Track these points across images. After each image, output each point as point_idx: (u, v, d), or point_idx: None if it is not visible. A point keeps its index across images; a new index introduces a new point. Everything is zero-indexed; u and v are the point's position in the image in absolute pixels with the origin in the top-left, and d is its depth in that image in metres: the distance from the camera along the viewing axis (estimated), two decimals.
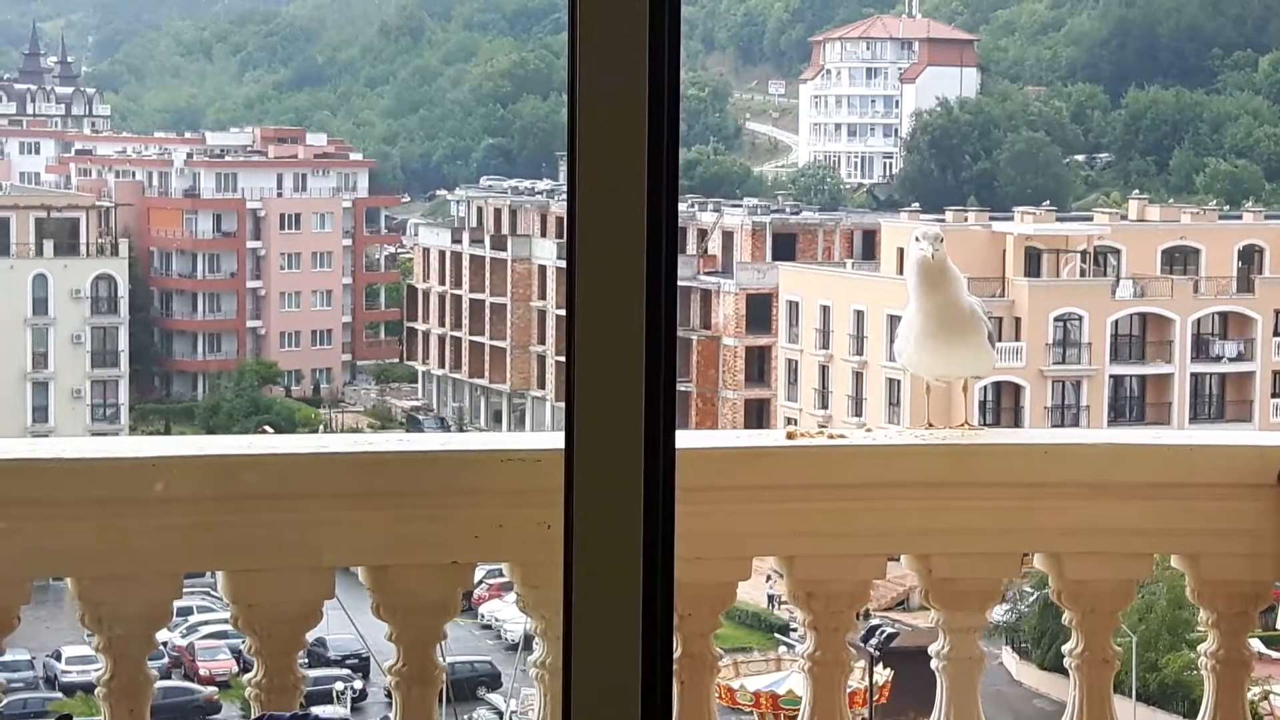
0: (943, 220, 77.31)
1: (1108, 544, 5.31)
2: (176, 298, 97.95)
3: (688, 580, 5.04)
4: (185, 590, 4.95)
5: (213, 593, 46.77)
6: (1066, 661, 5.45)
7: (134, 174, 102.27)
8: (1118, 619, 5.43)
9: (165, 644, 50.11)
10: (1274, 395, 71.60)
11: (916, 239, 5.50)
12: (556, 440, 4.56)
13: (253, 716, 4.90)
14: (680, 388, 77.68)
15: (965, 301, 5.51)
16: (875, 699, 35.67)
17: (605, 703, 2.49)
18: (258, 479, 4.89)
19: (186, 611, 53.06)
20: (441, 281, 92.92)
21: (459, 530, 4.96)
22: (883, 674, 36.95)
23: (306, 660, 5.21)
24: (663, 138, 2.58)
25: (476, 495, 4.97)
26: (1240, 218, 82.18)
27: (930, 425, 5.40)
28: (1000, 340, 61.08)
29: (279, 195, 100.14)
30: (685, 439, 5.61)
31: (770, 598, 54.59)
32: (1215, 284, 72.44)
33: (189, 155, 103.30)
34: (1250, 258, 74.86)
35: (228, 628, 43.95)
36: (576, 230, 2.58)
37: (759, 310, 77.95)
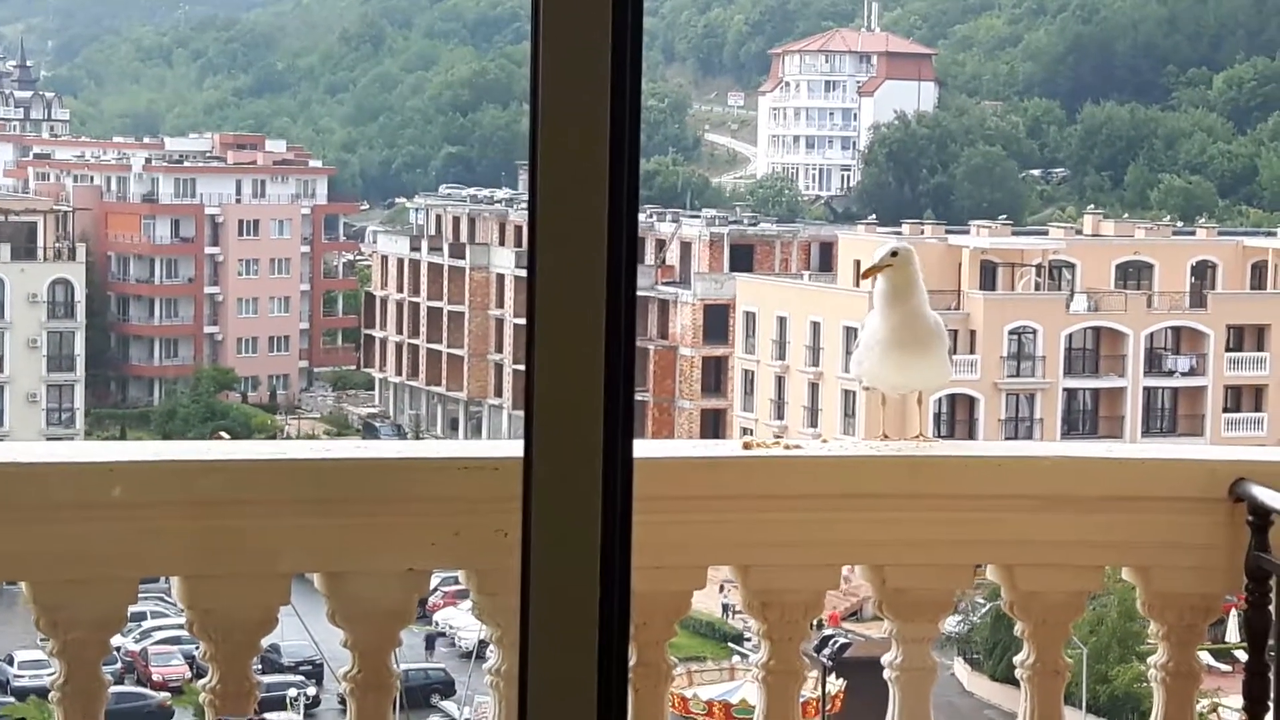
0: (899, 233, 77.62)
1: (1060, 556, 5.35)
2: (134, 303, 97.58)
3: (643, 589, 5.05)
4: (139, 595, 4.94)
5: (166, 598, 46.62)
6: (1018, 672, 5.49)
7: (92, 178, 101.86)
8: (1069, 631, 5.46)
9: (119, 649, 49.91)
10: (1226, 410, 72.00)
11: (893, 252, 5.53)
12: (514, 448, 4.57)
13: None
14: (637, 397, 77.49)
15: (929, 315, 5.54)
16: (828, 709, 35.73)
17: (561, 710, 2.50)
18: (214, 484, 4.88)
19: (140, 617, 52.87)
20: (400, 289, 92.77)
21: (415, 537, 4.96)
22: (835, 684, 37.02)
23: (260, 666, 5.21)
24: (624, 148, 2.60)
25: (433, 502, 4.98)
26: (1194, 233, 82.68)
27: (885, 436, 5.42)
28: (955, 353, 61.27)
29: (238, 201, 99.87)
30: (641, 448, 5.63)
31: (725, 607, 54.65)
32: (1168, 299, 72.83)
33: (148, 160, 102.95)
34: (1203, 273, 75.30)
35: (181, 633, 43.80)
36: (536, 239, 2.60)
37: (716, 321, 78.06)
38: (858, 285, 73.17)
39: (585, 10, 2.57)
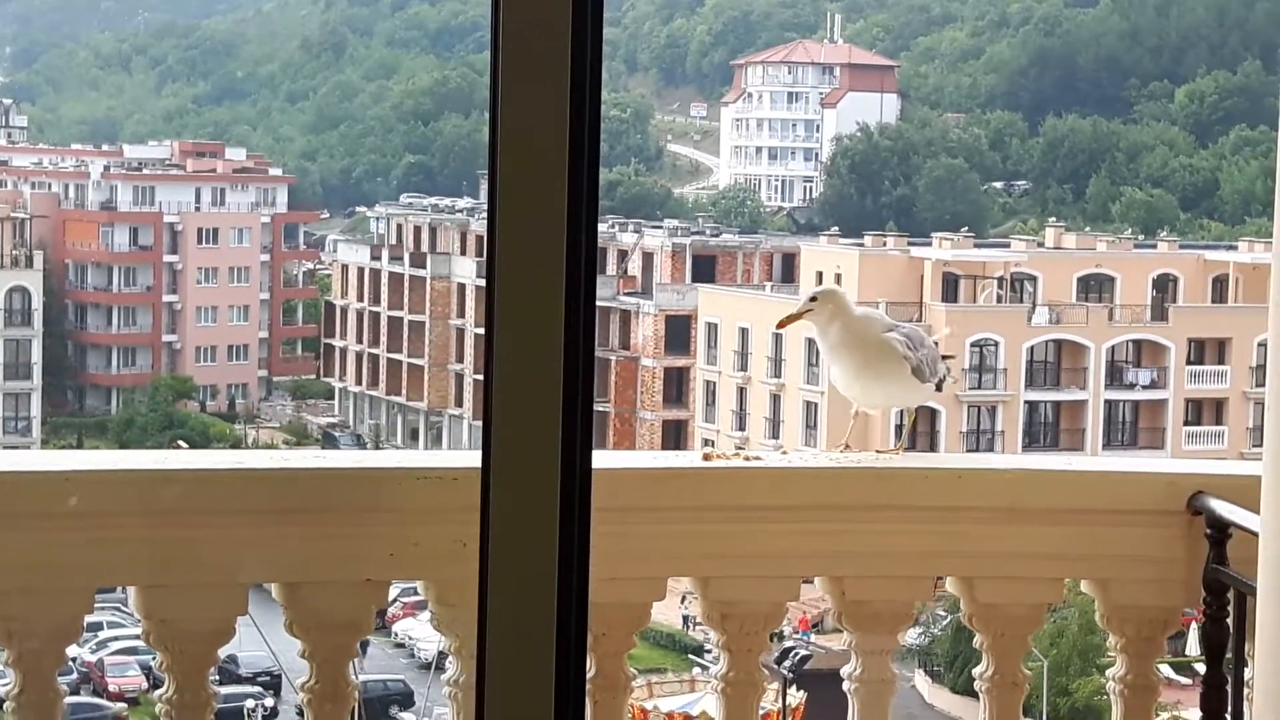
0: (861, 245, 77.77)
1: (1019, 568, 5.36)
2: (91, 311, 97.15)
3: (603, 600, 5.04)
4: (96, 606, 4.91)
5: (123, 608, 46.39)
6: (977, 684, 5.49)
7: (50, 186, 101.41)
8: (1028, 643, 5.47)
9: (75, 659, 49.63)
10: (1186, 423, 72.28)
11: (812, 297, 5.49)
12: (473, 458, 4.56)
13: None
14: (598, 408, 77.67)
15: (874, 344, 5.48)
16: None
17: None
18: (172, 494, 4.86)
19: (97, 627, 52.59)
20: (360, 298, 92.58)
21: (374, 548, 4.95)
22: (796, 696, 37.02)
23: (218, 677, 5.18)
24: (583, 157, 2.59)
25: (392, 513, 4.96)
26: (1155, 247, 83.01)
27: (847, 447, 5.43)
28: None
29: (197, 209, 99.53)
30: (602, 459, 5.62)
31: (685, 619, 54.61)
32: (1130, 312, 73.11)
33: (106, 168, 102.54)
34: (1164, 286, 75.62)
35: (138, 643, 43.57)
36: (496, 249, 2.59)
37: (678, 331, 78.09)
38: None
39: (545, 20, 2.56)
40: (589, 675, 5.15)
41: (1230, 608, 5.16)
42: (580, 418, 2.55)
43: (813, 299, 5.50)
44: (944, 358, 5.75)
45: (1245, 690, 5.09)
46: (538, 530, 2.51)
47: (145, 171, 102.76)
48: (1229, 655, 5.20)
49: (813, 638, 49.50)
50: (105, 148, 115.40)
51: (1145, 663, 5.46)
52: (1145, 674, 5.47)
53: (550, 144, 2.61)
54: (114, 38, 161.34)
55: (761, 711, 5.48)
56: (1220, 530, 5.16)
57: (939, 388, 5.62)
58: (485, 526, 2.52)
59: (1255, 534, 4.52)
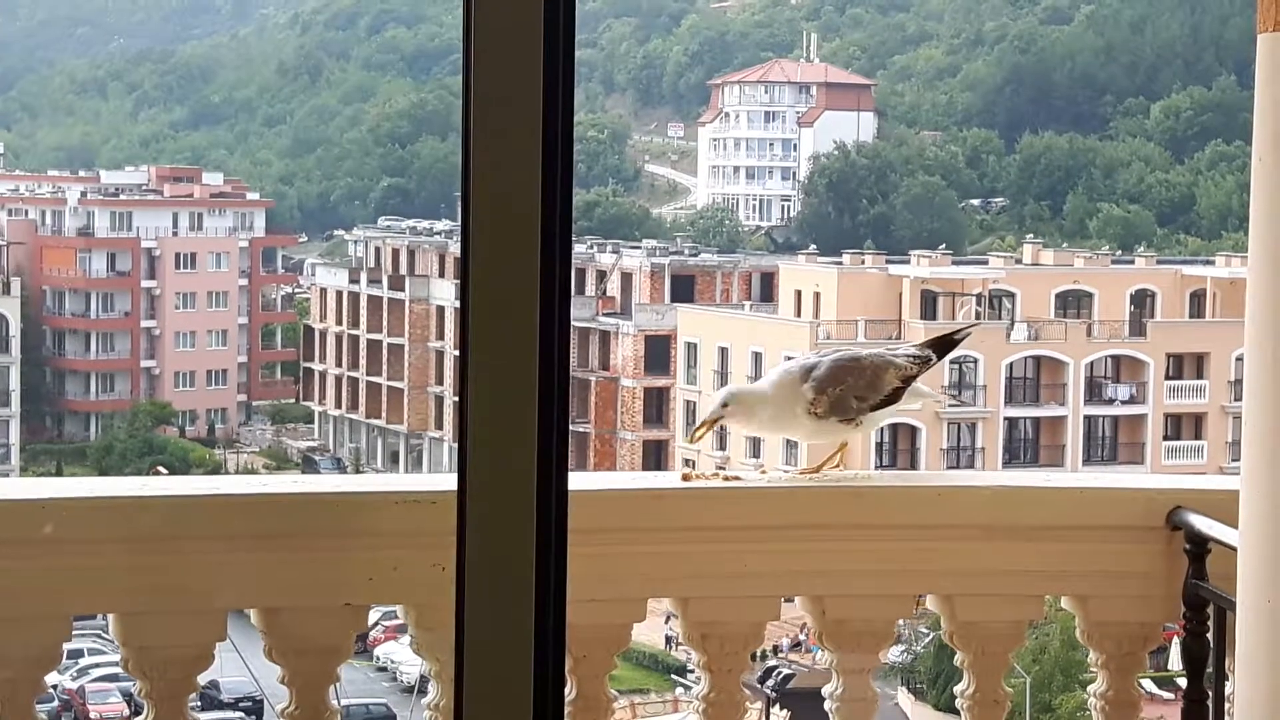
0: (840, 263, 77.88)
1: (999, 586, 5.36)
2: (69, 337, 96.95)
3: (582, 622, 5.03)
4: (76, 633, 4.90)
5: (104, 635, 46.23)
6: (958, 702, 5.49)
7: (27, 212, 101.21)
8: (1009, 660, 5.47)
9: (56, 687, 49.46)
10: (1166, 438, 72.43)
11: (724, 403, 5.44)
12: (451, 481, 4.55)
13: None
14: (579, 429, 77.65)
15: (791, 413, 5.40)
16: None
17: None
18: (149, 520, 4.84)
19: (78, 654, 52.42)
20: (339, 321, 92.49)
21: (352, 572, 4.93)
22: (779, 715, 37.02)
23: (199, 703, 5.17)
24: (556, 178, 2.59)
25: (371, 537, 4.95)
26: (1133, 262, 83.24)
27: (819, 469, 5.43)
28: None
29: (174, 234, 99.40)
30: (581, 480, 5.62)
31: (668, 639, 54.58)
32: (1108, 327, 73.27)
33: (83, 194, 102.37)
34: (1142, 302, 75.82)
35: (119, 670, 43.41)
36: (469, 269, 2.59)
37: (657, 351, 78.10)
38: (798, 315, 73.32)
39: (516, 41, 2.56)
40: (570, 697, 5.14)
41: (1210, 622, 5.17)
42: (555, 438, 2.54)
43: (724, 405, 5.45)
44: (943, 339, 5.63)
45: (1226, 705, 5.10)
46: (514, 553, 2.51)
47: (122, 197, 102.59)
48: (1210, 670, 5.20)
49: (785, 668, 49.21)
50: (82, 173, 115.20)
51: (1126, 678, 5.46)
52: (1126, 689, 5.47)
53: (523, 163, 2.61)
54: (89, 64, 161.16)
55: None
56: (1199, 545, 5.16)
57: (895, 399, 5.46)
58: (461, 550, 2.52)
59: (1234, 548, 4.52)
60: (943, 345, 5.61)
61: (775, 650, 50.58)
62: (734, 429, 5.48)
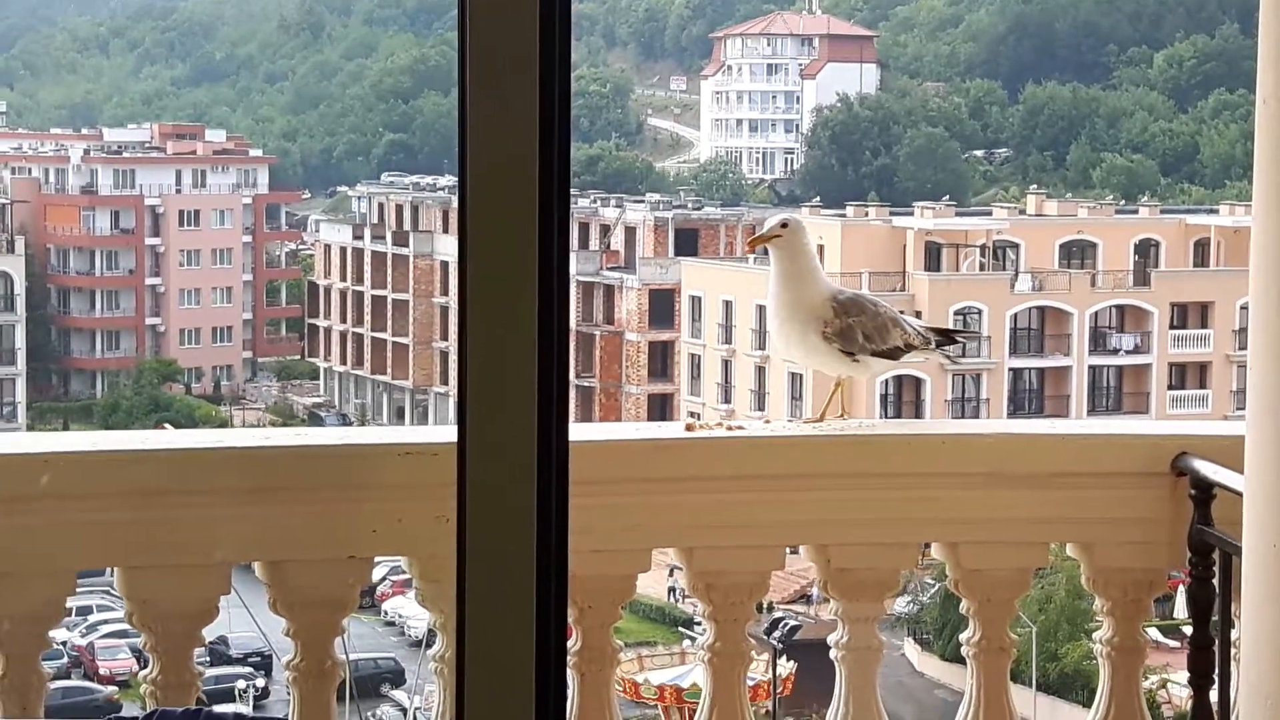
0: (844, 215, 77.78)
1: (1004, 533, 5.35)
2: (74, 295, 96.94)
3: (587, 573, 5.03)
4: (86, 589, 4.91)
5: (113, 591, 46.33)
6: (964, 650, 5.49)
7: (30, 170, 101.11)
8: (1015, 607, 5.47)
9: (65, 644, 49.61)
10: (1170, 387, 72.41)
11: (783, 224, 5.50)
12: (454, 433, 4.55)
13: (144, 713, 4.85)
14: (584, 383, 77.68)
15: (803, 294, 5.44)
16: (779, 691, 35.80)
17: (498, 695, 2.48)
18: (152, 474, 4.84)
19: (86, 610, 52.56)
20: (343, 278, 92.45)
21: (356, 524, 4.93)
22: (786, 666, 37.09)
23: (209, 659, 5.18)
24: (554, 129, 2.57)
25: (374, 489, 4.95)
26: (1136, 212, 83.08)
27: (822, 417, 5.41)
28: None
29: (178, 192, 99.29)
30: (585, 432, 5.62)
31: (671, 590, 54.69)
32: (1112, 278, 73.18)
33: (86, 152, 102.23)
34: (1146, 252, 75.70)
35: (128, 626, 43.53)
36: (467, 221, 2.57)
37: (662, 305, 78.05)
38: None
39: None
40: (575, 648, 5.15)
41: (1216, 568, 5.16)
42: (555, 388, 2.53)
43: (783, 225, 5.51)
44: (946, 331, 5.70)
45: (1232, 650, 5.09)
46: (514, 503, 2.50)
47: (125, 155, 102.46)
48: (1215, 616, 5.20)
49: (792, 619, 49.27)
50: (85, 131, 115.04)
51: (1132, 625, 5.46)
52: (1132, 636, 5.47)
53: (520, 117, 2.59)
54: (91, 21, 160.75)
55: (751, 682, 5.48)
56: (1205, 491, 5.15)
57: (894, 356, 5.49)
58: (461, 500, 2.51)
59: (1240, 494, 4.51)
60: (942, 335, 5.68)
61: (770, 607, 50.63)
62: (775, 259, 5.47)
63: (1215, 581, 5.16)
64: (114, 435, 5.30)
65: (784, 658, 36.57)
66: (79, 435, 5.34)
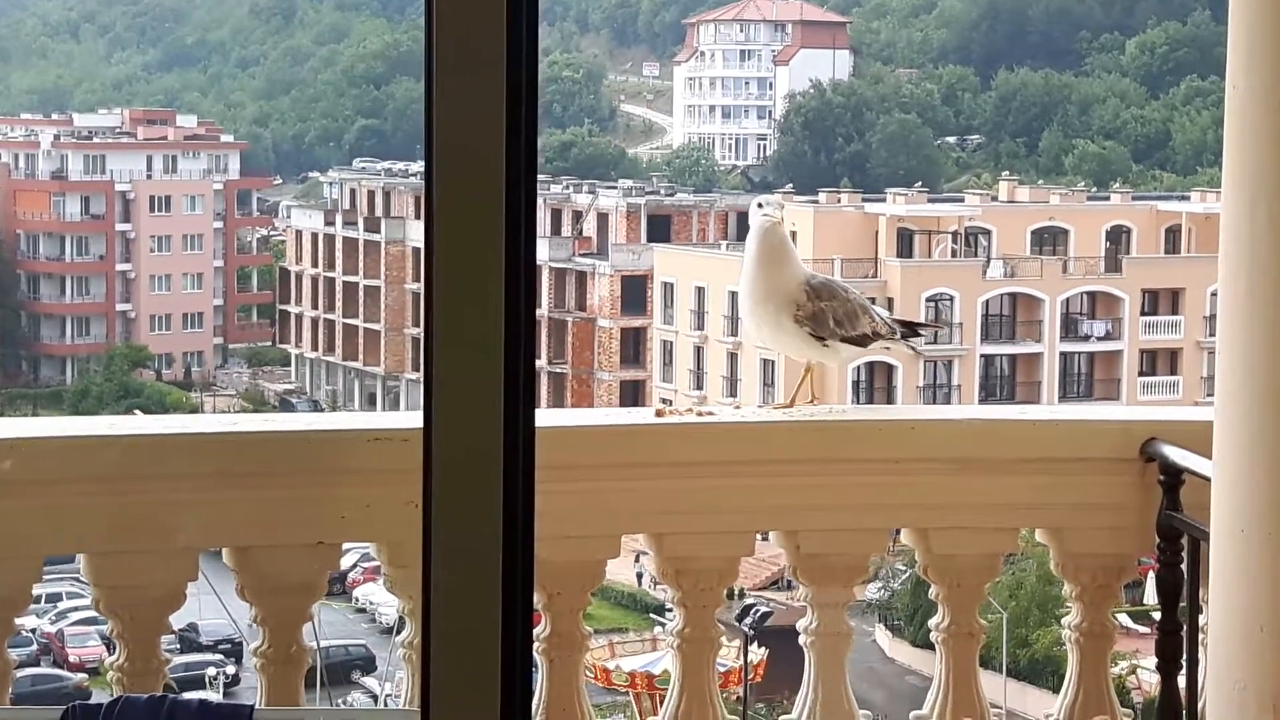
0: (816, 202, 77.82)
1: (973, 519, 5.36)
2: (44, 281, 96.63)
3: (556, 559, 5.02)
4: (54, 576, 4.89)
5: (82, 579, 46.18)
6: (933, 635, 5.49)
7: (0, 155, 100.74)
8: (984, 593, 5.47)
9: (34, 631, 49.49)
10: (1141, 374, 72.62)
11: (759, 204, 5.49)
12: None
13: (109, 699, 4.83)
14: (556, 369, 77.64)
15: (776, 275, 5.46)
16: (750, 677, 35.84)
17: (464, 680, 2.47)
18: (117, 460, 4.82)
19: (56, 598, 52.44)
20: (314, 264, 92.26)
21: (325, 510, 4.92)
22: (758, 652, 37.13)
23: (179, 646, 5.16)
24: (520, 117, 2.56)
25: (343, 475, 4.93)
26: (1108, 199, 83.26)
27: (793, 403, 5.41)
28: None
29: (149, 177, 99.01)
30: (554, 417, 5.61)
31: (640, 576, 54.70)
32: (1084, 264, 73.35)
33: (56, 137, 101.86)
34: (1118, 238, 75.88)
35: (97, 614, 43.37)
36: (433, 207, 2.56)
37: (634, 292, 78.04)
38: None
39: None
40: (544, 634, 5.14)
41: (1184, 553, 5.17)
42: (522, 373, 2.52)
43: (781, 207, 5.52)
44: (911, 324, 5.72)
45: (1200, 635, 5.11)
46: (481, 489, 2.49)
47: (96, 140, 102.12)
48: (1183, 602, 5.21)
49: (763, 605, 49.26)
50: (55, 116, 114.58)
51: (1100, 611, 5.47)
52: (1100, 622, 5.48)
53: (487, 104, 2.58)
54: (61, 5, 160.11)
55: (723, 669, 5.48)
56: (1173, 476, 5.16)
57: (862, 343, 5.51)
58: (428, 487, 2.50)
59: (1208, 479, 4.52)
60: (907, 326, 5.71)
61: (741, 593, 50.71)
62: (759, 239, 5.48)
63: (1183, 567, 5.17)
64: (81, 421, 5.28)
65: (755, 644, 36.61)
66: (45, 421, 5.32)
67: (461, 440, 2.53)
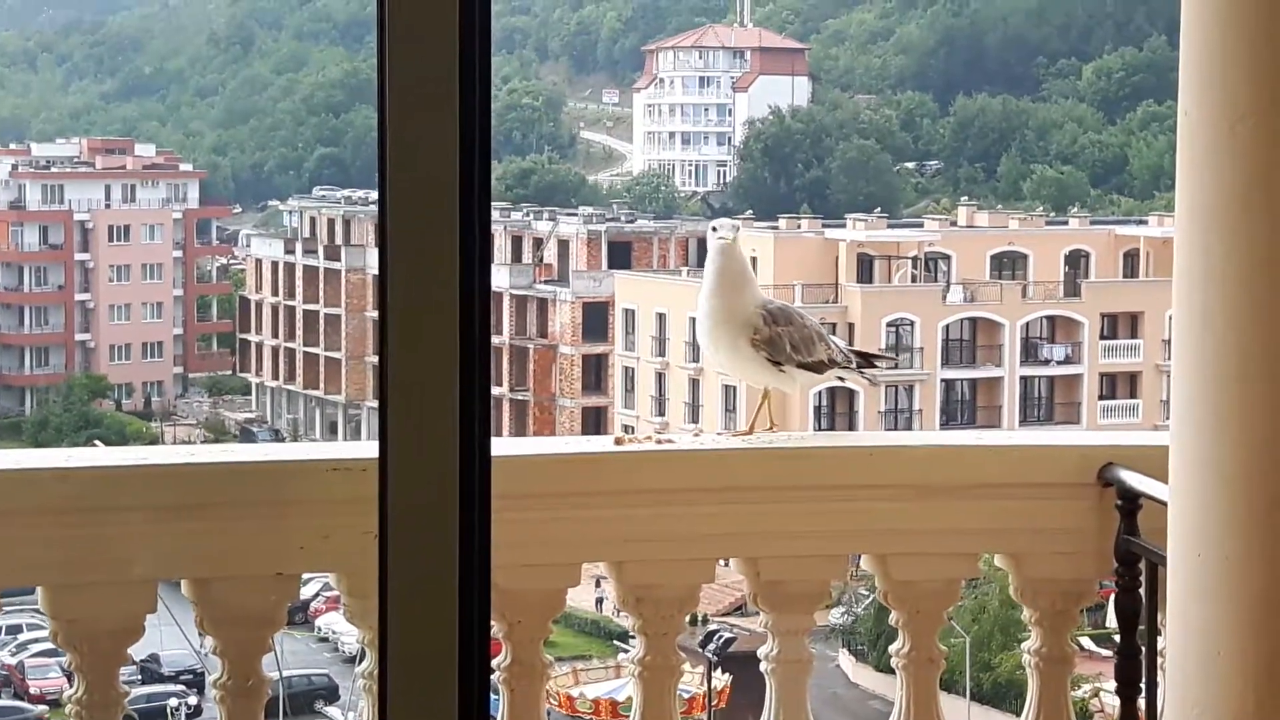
0: (776, 228, 77.97)
1: (932, 544, 5.36)
2: (2, 311, 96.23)
3: (516, 587, 5.02)
4: (15, 608, 4.87)
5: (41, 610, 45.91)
6: (894, 661, 5.50)
7: None
8: (944, 619, 5.48)
9: None
10: (1101, 397, 72.89)
11: (714, 228, 5.50)
12: None
13: None
14: (518, 396, 77.57)
15: (732, 302, 5.46)
16: (714, 704, 35.81)
17: (421, 711, 2.46)
18: (75, 492, 4.79)
19: (16, 629, 52.18)
20: (274, 292, 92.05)
21: (284, 541, 4.90)
22: (721, 678, 37.11)
23: (140, 677, 5.14)
24: (474, 141, 2.56)
25: (302, 505, 4.91)
26: (1066, 223, 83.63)
27: (752, 429, 5.42)
28: None
29: (107, 206, 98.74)
30: (515, 445, 5.60)
31: (599, 601, 54.64)
32: (1043, 288, 73.63)
33: (14, 167, 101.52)
34: (1076, 262, 76.20)
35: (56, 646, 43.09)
36: (387, 236, 2.56)
37: (595, 319, 78.06)
38: None
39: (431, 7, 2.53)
40: (504, 663, 5.13)
41: (1142, 578, 5.19)
42: (478, 402, 2.52)
43: (735, 229, 5.52)
44: (866, 355, 5.73)
45: (1158, 659, 5.12)
46: (437, 518, 2.48)
47: (54, 170, 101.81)
48: (1142, 625, 5.22)
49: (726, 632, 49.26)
50: (13, 146, 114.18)
51: (1060, 635, 5.48)
52: (1060, 646, 5.49)
53: (440, 130, 2.58)
54: (19, 35, 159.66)
55: (687, 695, 5.48)
56: (1130, 501, 5.18)
57: (818, 370, 5.52)
58: (384, 516, 2.49)
59: (1165, 504, 4.53)
60: (862, 357, 5.73)
61: (704, 619, 50.72)
62: (719, 262, 5.47)
63: (1142, 591, 5.19)
64: (38, 453, 5.24)
65: (719, 670, 36.58)
66: (1, 453, 5.28)
67: (417, 470, 2.53)
